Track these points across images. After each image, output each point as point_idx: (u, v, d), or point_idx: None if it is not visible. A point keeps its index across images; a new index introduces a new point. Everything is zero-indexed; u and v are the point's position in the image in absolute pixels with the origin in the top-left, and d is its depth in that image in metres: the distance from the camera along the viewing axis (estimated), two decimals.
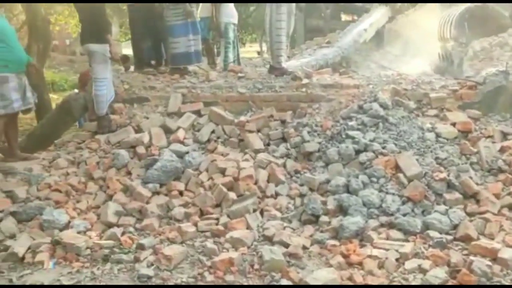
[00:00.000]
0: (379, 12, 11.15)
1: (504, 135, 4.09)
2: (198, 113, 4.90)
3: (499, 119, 4.30)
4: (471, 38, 6.70)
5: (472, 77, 4.80)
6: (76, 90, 6.47)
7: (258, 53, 15.17)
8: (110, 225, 3.62)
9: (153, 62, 6.22)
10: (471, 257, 2.90)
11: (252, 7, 18.30)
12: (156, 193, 3.94)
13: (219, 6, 7.05)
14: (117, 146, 4.54)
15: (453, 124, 4.24)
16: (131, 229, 3.57)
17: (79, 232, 3.48)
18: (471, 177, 3.66)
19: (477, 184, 3.63)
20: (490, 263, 2.83)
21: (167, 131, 4.63)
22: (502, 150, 3.91)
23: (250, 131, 4.53)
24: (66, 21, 13.03)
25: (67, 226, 3.58)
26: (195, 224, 3.55)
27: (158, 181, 3.99)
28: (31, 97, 4.56)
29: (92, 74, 4.96)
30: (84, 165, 4.34)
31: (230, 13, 7.18)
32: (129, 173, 4.20)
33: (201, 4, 7.31)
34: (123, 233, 3.49)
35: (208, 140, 4.57)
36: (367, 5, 12.36)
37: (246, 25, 18.18)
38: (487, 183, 3.70)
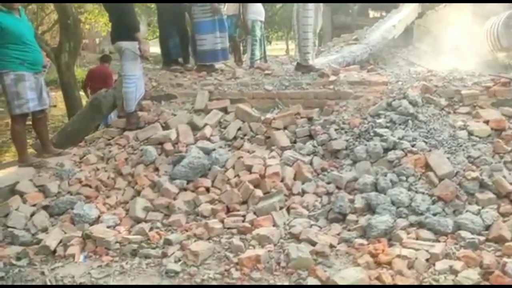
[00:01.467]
0: (409, 8, 10.93)
1: None
2: (224, 110, 4.92)
3: None
4: None
5: (505, 73, 4.64)
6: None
7: (286, 51, 15.08)
8: (138, 221, 3.67)
9: (180, 60, 6.28)
10: (505, 259, 2.81)
11: (278, 4, 18.24)
12: (183, 189, 3.98)
13: (246, 4, 7.06)
14: (145, 142, 4.60)
15: (486, 122, 4.12)
16: (159, 224, 3.61)
17: (108, 227, 3.55)
18: (504, 177, 3.54)
19: (511, 183, 3.51)
20: None
21: (194, 128, 4.66)
22: None
23: (277, 129, 4.52)
24: (96, 20, 13.30)
25: (97, 220, 3.66)
26: (222, 221, 3.56)
27: (185, 178, 4.02)
28: (47, 98, 4.40)
29: (121, 72, 5.04)
30: (113, 161, 4.42)
31: (256, 10, 7.18)
32: (156, 170, 4.25)
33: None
34: (151, 229, 3.54)
35: (235, 137, 4.59)
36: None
37: (272, 22, 18.15)
38: None
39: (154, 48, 9.73)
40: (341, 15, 13.94)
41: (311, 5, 5.52)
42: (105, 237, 3.32)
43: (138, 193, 3.99)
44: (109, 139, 4.86)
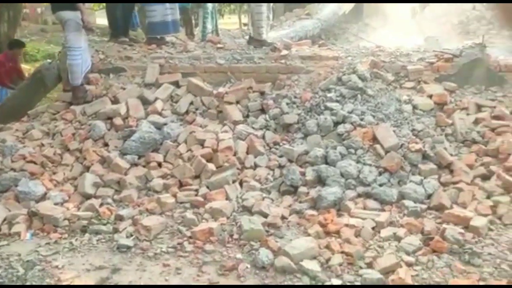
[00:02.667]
0: None
1: (479, 107, 4.17)
2: (176, 84, 4.83)
3: (474, 92, 4.38)
4: None
5: (449, 50, 4.84)
6: (49, 60, 6.27)
7: (245, 24, 14.84)
8: (87, 197, 3.59)
9: (131, 33, 6.06)
10: (444, 225, 2.99)
11: None
12: (134, 164, 3.92)
13: None
14: (93, 117, 4.46)
15: (430, 96, 4.30)
16: (109, 200, 3.55)
17: (56, 204, 3.46)
18: (445, 148, 3.74)
19: (451, 155, 3.71)
20: (462, 230, 2.92)
21: (145, 102, 4.56)
22: (476, 122, 3.99)
23: (229, 103, 4.50)
24: None
25: (43, 197, 3.55)
26: (174, 195, 3.55)
27: (136, 153, 3.96)
28: None
29: (65, 43, 4.81)
30: (60, 136, 4.26)
31: None
32: (106, 145, 4.14)
33: None
34: (101, 205, 3.48)
35: (187, 112, 4.53)
36: None
37: None
38: (461, 154, 3.79)
39: (100, 20, 9.34)
40: None
41: None
42: (52, 214, 3.23)
43: (87, 169, 3.88)
44: (54, 114, 4.67)
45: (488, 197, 3.28)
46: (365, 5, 10.86)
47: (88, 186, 3.63)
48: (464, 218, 3.02)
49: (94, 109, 4.50)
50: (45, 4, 16.28)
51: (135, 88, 4.74)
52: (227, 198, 3.52)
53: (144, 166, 3.92)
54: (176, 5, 5.83)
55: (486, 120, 3.94)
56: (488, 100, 4.21)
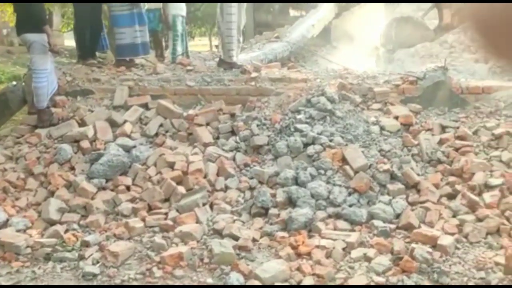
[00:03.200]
0: (326, 9, 11.35)
1: (443, 128, 4.29)
2: (145, 106, 4.79)
3: (438, 113, 4.51)
4: (398, 46, 7.11)
5: (413, 73, 4.99)
6: (14, 82, 6.12)
7: (216, 46, 14.96)
8: (52, 223, 3.48)
9: (99, 54, 6.00)
10: (413, 245, 3.03)
11: None
12: (101, 188, 3.83)
13: None
14: (59, 140, 4.35)
15: (396, 118, 4.40)
16: (75, 226, 3.45)
17: (18, 231, 3.33)
18: (412, 168, 3.82)
19: (418, 174, 3.79)
20: (430, 250, 2.96)
21: (113, 124, 4.49)
22: (441, 142, 4.10)
23: (199, 125, 4.49)
24: (2, 10, 12.28)
25: (5, 224, 3.41)
26: (143, 220, 3.48)
27: (103, 176, 3.87)
28: None
29: (31, 66, 4.72)
30: (23, 161, 4.13)
31: (178, 5, 7.07)
32: (72, 169, 4.04)
33: None
34: (66, 231, 3.37)
35: (156, 134, 4.49)
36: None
37: (195, 18, 17.92)
38: (427, 173, 3.87)
39: (69, 41, 9.22)
40: (263, 13, 14.14)
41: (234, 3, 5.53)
42: (14, 241, 3.11)
43: (51, 194, 3.77)
44: (18, 137, 4.54)
45: (454, 216, 3.35)
46: (333, 28, 11.13)
47: (53, 211, 3.52)
48: (432, 237, 3.07)
49: (60, 132, 4.40)
50: (10, 25, 15.98)
51: (103, 110, 4.68)
52: (197, 221, 3.48)
53: (112, 190, 3.83)
54: (146, 27, 5.83)
55: (450, 140, 4.06)
56: (451, 121, 4.35)
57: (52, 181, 3.84)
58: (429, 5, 8.47)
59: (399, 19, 7.03)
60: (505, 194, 3.37)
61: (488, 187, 3.49)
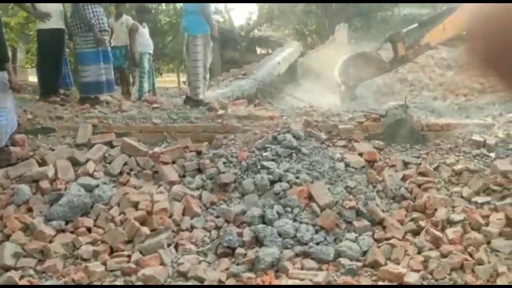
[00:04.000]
0: (292, 47, 11.68)
1: (405, 164, 4.38)
2: (109, 144, 4.69)
3: (400, 149, 4.62)
4: (358, 81, 7.38)
5: (376, 110, 5.13)
6: None
7: (184, 83, 15.04)
8: (7, 269, 3.28)
9: (61, 91, 5.91)
10: (380, 282, 3.02)
11: (169, 37, 18.27)
12: (61, 231, 3.67)
13: (134, 36, 6.97)
14: (17, 180, 4.18)
15: (360, 154, 4.48)
16: (31, 271, 3.27)
17: None
18: (377, 205, 3.86)
19: (383, 211, 3.83)
20: None
21: (76, 163, 4.36)
22: (404, 178, 4.18)
23: (165, 163, 4.42)
24: None
25: None
26: (104, 263, 3.34)
27: (63, 218, 3.72)
28: None
29: None
30: None
31: (145, 42, 7.12)
32: (30, 210, 3.87)
33: (115, 32, 7.16)
34: (21, 277, 3.19)
35: (121, 173, 4.38)
36: (281, 39, 12.89)
37: (163, 54, 18.05)
38: (392, 210, 3.92)
39: (33, 78, 9.06)
40: (230, 51, 14.41)
41: (200, 40, 5.62)
42: None
43: (7, 237, 3.57)
44: None
45: (419, 252, 3.37)
46: (299, 65, 11.42)
47: (8, 257, 3.33)
48: (398, 275, 3.07)
49: (19, 172, 4.23)
50: None
51: (65, 149, 4.55)
52: (162, 263, 3.36)
53: (72, 232, 3.68)
54: (111, 64, 5.81)
55: (413, 176, 4.14)
56: (413, 157, 4.45)
57: (8, 224, 3.66)
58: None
59: (354, 56, 7.33)
60: (467, 230, 3.43)
61: (450, 222, 3.55)
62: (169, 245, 3.55)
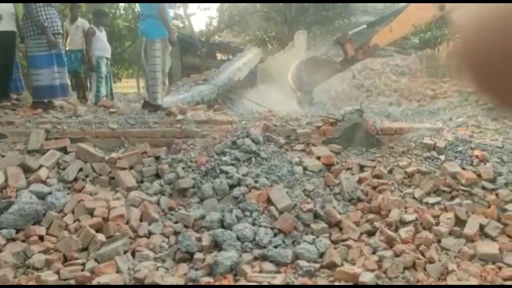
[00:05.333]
0: (252, 53, 11.77)
1: (361, 167, 4.50)
2: (64, 150, 4.56)
3: (356, 153, 4.74)
4: (312, 85, 7.54)
5: (332, 115, 5.25)
6: None
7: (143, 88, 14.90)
8: None
9: (15, 96, 5.70)
10: (336, 283, 3.07)
11: (128, 42, 17.97)
12: (11, 239, 3.52)
13: (90, 40, 6.82)
14: None
15: (318, 158, 4.56)
16: None
17: None
18: (334, 207, 3.94)
19: (339, 213, 3.91)
20: None
21: (27, 170, 4.21)
22: (360, 181, 4.29)
23: (122, 168, 4.34)
24: None
25: None
26: (57, 272, 3.23)
27: (14, 226, 3.58)
28: None
29: None
30: None
31: (102, 47, 6.99)
32: None
33: (70, 36, 6.99)
34: None
35: (75, 179, 4.27)
36: (241, 45, 12.97)
37: (122, 59, 17.73)
38: (348, 212, 4.01)
39: None
40: (190, 56, 14.34)
41: (158, 45, 5.57)
42: None
43: None
44: None
45: (374, 252, 3.46)
46: (259, 71, 11.52)
47: None
48: (354, 275, 3.14)
49: None
50: None
51: (16, 155, 4.39)
52: (118, 271, 3.29)
53: (23, 241, 3.54)
54: (65, 68, 5.66)
55: (368, 179, 4.26)
56: (368, 160, 4.58)
57: None
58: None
59: (305, 61, 7.50)
60: (419, 229, 3.56)
61: (403, 223, 3.67)
62: (125, 252, 3.48)
